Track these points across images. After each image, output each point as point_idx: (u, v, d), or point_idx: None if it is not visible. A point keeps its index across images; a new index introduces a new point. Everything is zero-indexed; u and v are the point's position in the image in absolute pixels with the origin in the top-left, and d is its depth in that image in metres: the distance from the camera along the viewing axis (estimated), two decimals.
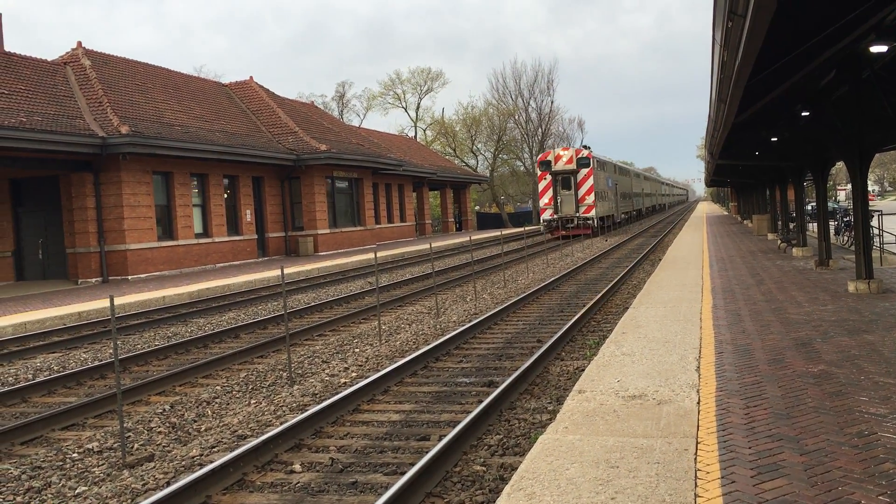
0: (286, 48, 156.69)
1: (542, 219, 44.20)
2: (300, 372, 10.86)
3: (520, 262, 27.26)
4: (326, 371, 10.83)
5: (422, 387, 9.57)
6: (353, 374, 10.45)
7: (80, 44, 31.89)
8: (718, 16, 6.92)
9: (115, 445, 7.68)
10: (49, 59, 30.84)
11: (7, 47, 29.67)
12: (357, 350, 12.33)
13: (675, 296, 13.53)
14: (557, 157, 43.71)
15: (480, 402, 8.35)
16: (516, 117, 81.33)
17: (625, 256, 28.71)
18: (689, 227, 44.47)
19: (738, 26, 6.03)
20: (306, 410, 8.38)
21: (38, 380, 11.08)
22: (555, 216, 43.01)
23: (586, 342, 11.86)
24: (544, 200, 43.96)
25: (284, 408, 8.86)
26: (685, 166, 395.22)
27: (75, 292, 23.31)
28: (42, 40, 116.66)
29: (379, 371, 10.22)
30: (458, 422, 7.58)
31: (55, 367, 12.35)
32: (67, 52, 31.79)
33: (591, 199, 42.76)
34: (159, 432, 8.17)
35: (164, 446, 7.68)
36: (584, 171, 42.97)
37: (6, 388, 10.58)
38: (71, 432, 8.48)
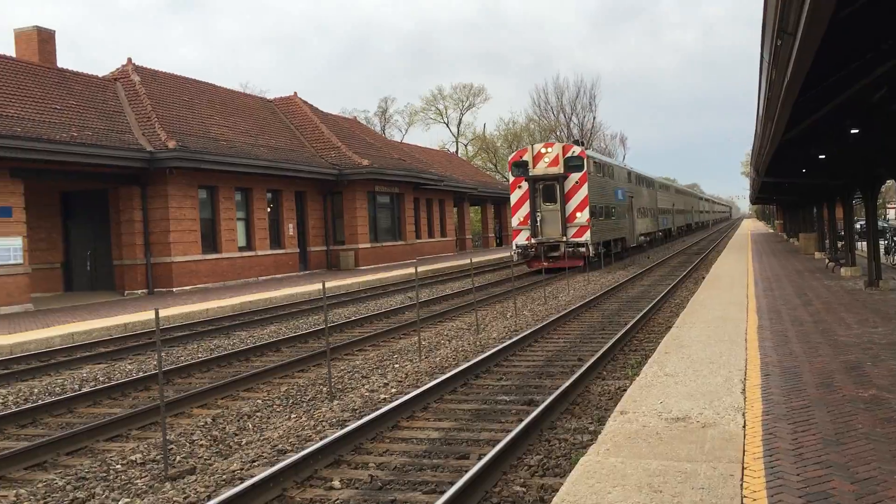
0: (330, 64, 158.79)
1: (514, 244, 31.34)
2: (340, 387, 10.89)
3: (560, 279, 27.09)
4: (366, 386, 10.85)
5: (461, 404, 9.53)
6: (393, 390, 10.45)
7: (130, 60, 32.63)
8: (767, 33, 6.81)
9: (158, 457, 7.76)
10: (100, 76, 31.60)
11: (60, 64, 30.48)
12: (397, 366, 12.33)
13: (719, 315, 13.31)
14: (537, 157, 31.24)
15: (520, 420, 8.28)
16: (558, 133, 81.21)
17: (668, 273, 28.35)
18: (733, 245, 43.79)
19: (788, 44, 5.93)
20: (346, 426, 8.39)
21: (84, 390, 11.28)
22: (532, 241, 30.63)
23: (628, 362, 11.71)
24: (518, 218, 31.37)
25: (324, 423, 8.88)
26: (729, 183, 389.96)
27: (121, 303, 23.73)
28: (93, 57, 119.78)
29: (419, 387, 10.19)
30: (498, 441, 7.52)
31: (101, 378, 12.56)
32: (118, 69, 32.54)
33: (583, 215, 30.40)
34: (201, 445, 8.24)
35: (205, 459, 7.74)
36: (576, 175, 30.59)
37: (53, 399, 10.79)
38: (115, 443, 8.60)
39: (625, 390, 8.73)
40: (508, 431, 7.85)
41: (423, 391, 9.56)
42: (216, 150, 29.23)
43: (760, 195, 43.89)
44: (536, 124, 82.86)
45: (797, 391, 7.58)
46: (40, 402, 10.49)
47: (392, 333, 15.83)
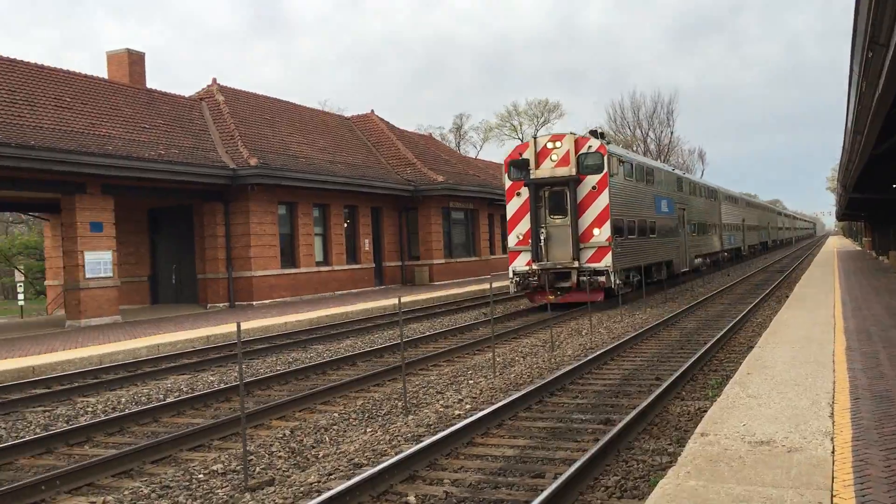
0: (406, 82, 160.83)
1: (510, 270, 24.00)
2: (415, 402, 10.94)
3: (637, 297, 26.64)
4: (441, 402, 10.87)
5: (536, 422, 9.45)
6: (468, 406, 10.44)
7: (214, 80, 33.73)
8: (857, 45, 6.61)
9: (238, 468, 7.93)
10: (186, 95, 32.75)
11: (149, 84, 31.71)
12: (471, 381, 12.32)
13: (804, 335, 12.86)
14: (542, 154, 23.51)
15: (597, 440, 8.16)
16: (634, 148, 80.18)
17: (749, 292, 27.59)
18: (818, 263, 42.33)
19: (880, 56, 5.73)
20: (421, 441, 8.42)
21: (168, 400, 11.63)
22: (533, 266, 23.17)
23: (708, 382, 11.42)
24: (516, 235, 23.86)
25: (399, 437, 8.92)
26: (813, 199, 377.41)
27: (204, 316, 24.41)
28: (180, 77, 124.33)
29: (493, 404, 10.15)
30: (574, 460, 7.43)
31: (184, 389, 12.93)
32: (203, 89, 33.68)
33: (603, 233, 22.82)
34: (279, 457, 8.39)
35: (283, 471, 7.88)
36: (593, 178, 23.06)
37: (140, 408, 11.16)
38: (197, 453, 8.83)
39: (705, 411, 8.51)
40: (585, 451, 7.74)
41: (498, 408, 9.52)
42: (296, 167, 29.92)
43: (847, 211, 42.33)
44: (612, 139, 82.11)
45: (889, 416, 7.25)
46: (127, 412, 10.88)
47: (466, 349, 15.84)
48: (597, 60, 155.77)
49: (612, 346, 14.52)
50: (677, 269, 31.44)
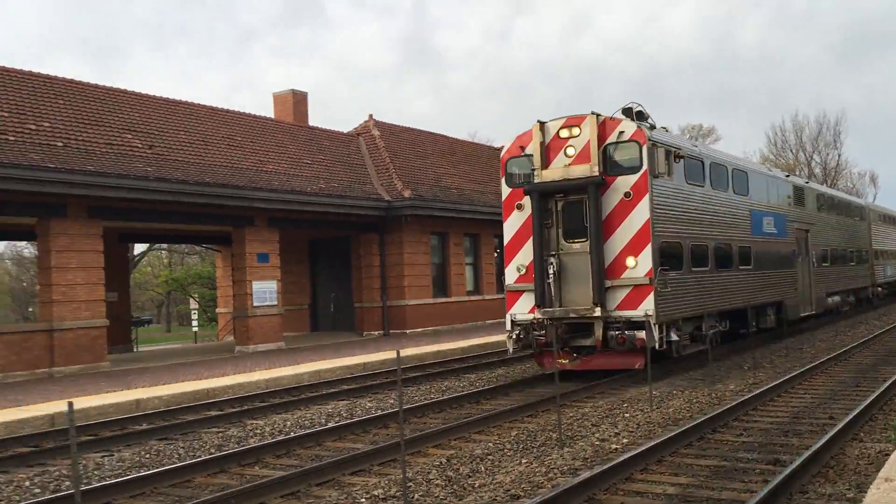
0: (554, 110, 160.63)
1: (508, 317, 16.23)
2: (569, 434, 10.80)
3: (802, 329, 25.17)
4: (596, 435, 10.67)
5: (698, 459, 9.09)
6: (625, 441, 10.20)
7: (370, 116, 35.07)
8: None
9: (398, 494, 8.10)
10: (344, 131, 34.25)
11: (311, 122, 33.43)
12: (627, 415, 12.03)
13: None
14: (553, 146, 15.89)
15: (766, 481, 7.74)
16: (797, 172, 76.23)
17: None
18: None
19: None
20: (578, 475, 8.29)
21: (329, 425, 12.08)
22: (537, 314, 15.62)
23: (889, 423, 10.59)
24: (516, 267, 16.26)
25: (555, 470, 8.83)
26: None
27: (360, 344, 25.23)
28: (339, 114, 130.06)
29: (652, 439, 9.88)
30: (742, 501, 7.09)
31: (344, 414, 13.37)
32: (360, 124, 35.09)
33: (641, 264, 15.05)
34: (437, 485, 8.50)
35: (441, 499, 7.97)
36: (627, 180, 15.24)
37: (304, 431, 11.66)
38: (358, 478, 9.10)
39: (888, 455, 7.91)
40: (753, 492, 7.37)
41: (657, 443, 9.24)
42: (447, 198, 30.57)
43: None
44: (773, 163, 78.35)
45: None
46: (293, 435, 11.39)
47: (621, 382, 15.48)
48: (754, 81, 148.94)
49: (777, 381, 13.79)
50: (794, 313, 23.00)
